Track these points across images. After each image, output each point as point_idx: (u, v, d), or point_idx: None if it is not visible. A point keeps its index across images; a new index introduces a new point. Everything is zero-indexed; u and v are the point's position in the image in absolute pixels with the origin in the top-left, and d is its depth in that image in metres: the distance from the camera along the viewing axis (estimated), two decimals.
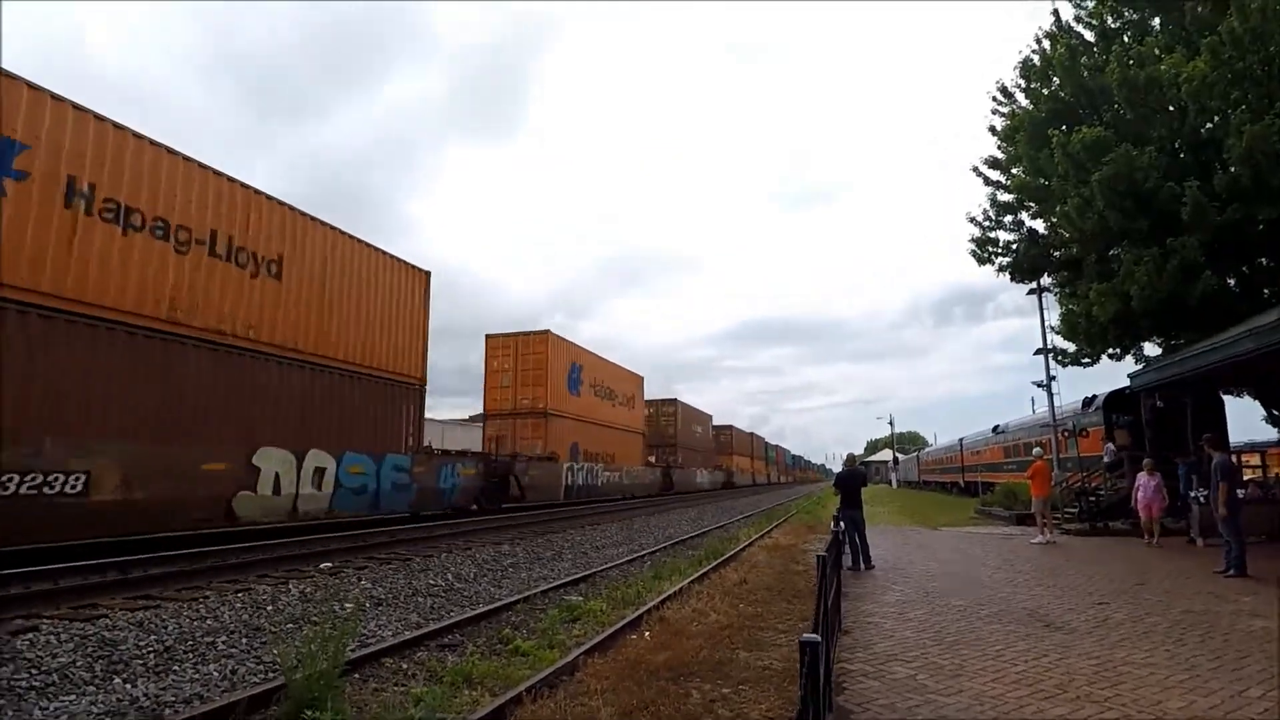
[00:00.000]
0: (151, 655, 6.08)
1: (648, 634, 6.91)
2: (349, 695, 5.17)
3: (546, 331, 25.83)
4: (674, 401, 44.28)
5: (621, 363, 35.17)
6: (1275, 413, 19.15)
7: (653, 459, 39.72)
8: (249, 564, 10.54)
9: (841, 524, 9.90)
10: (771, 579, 10.21)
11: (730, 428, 62.22)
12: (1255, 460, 23.42)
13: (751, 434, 74.60)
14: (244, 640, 6.71)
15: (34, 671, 5.43)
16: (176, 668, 5.83)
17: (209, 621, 7.30)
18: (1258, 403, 19.37)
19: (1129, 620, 7.24)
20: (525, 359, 25.45)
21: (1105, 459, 19.38)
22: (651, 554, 13.77)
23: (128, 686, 5.31)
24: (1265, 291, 15.37)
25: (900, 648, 6.24)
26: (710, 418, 54.86)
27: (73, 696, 5.03)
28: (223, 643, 6.57)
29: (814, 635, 2.74)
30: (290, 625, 7.29)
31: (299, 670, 4.92)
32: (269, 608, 8.03)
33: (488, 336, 26.20)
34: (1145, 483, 14.12)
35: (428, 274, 18.26)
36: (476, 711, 4.64)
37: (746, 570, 10.94)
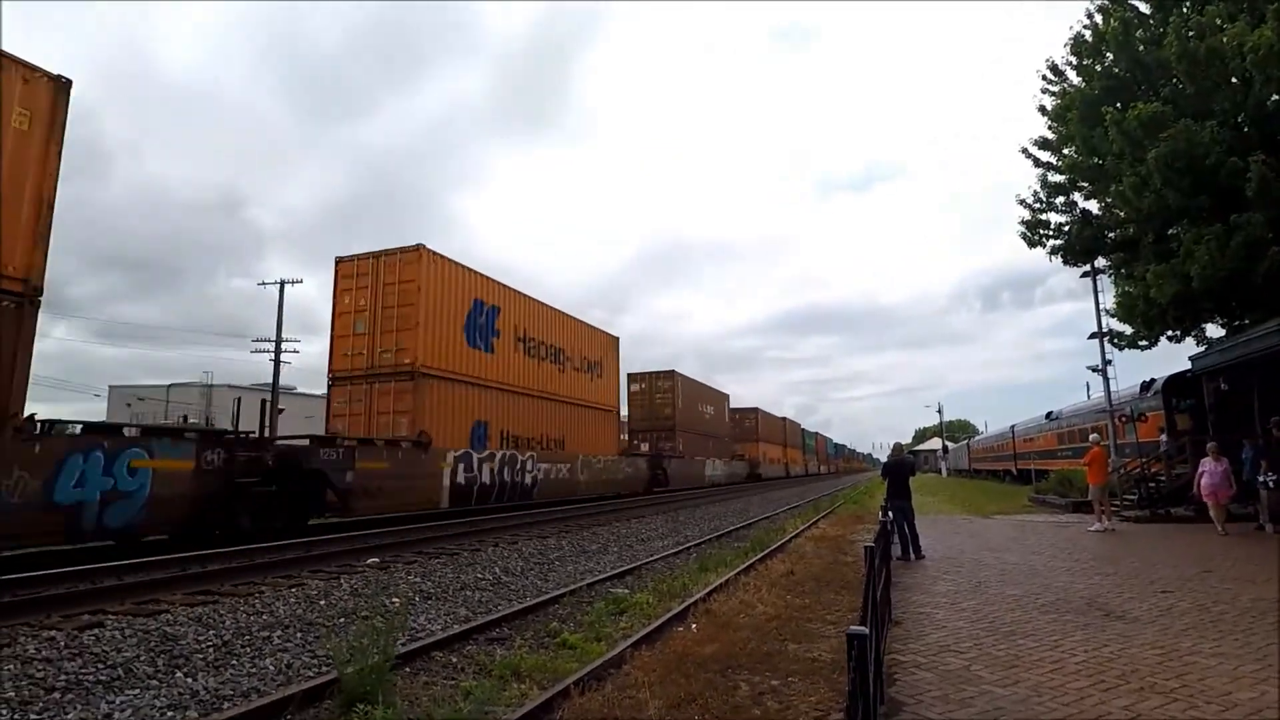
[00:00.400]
0: (211, 650, 6.27)
1: (694, 626, 6.88)
2: (400, 688, 5.25)
3: (419, 248, 17.56)
4: (672, 374, 36.32)
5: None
6: None
7: (645, 446, 33.63)
8: (301, 560, 10.82)
9: (890, 513, 9.72)
10: (819, 570, 10.08)
11: (755, 411, 54.84)
12: None
13: (784, 419, 67.53)
14: (298, 635, 6.88)
15: (100, 666, 5.64)
16: (234, 662, 6.01)
17: (264, 616, 7.50)
18: None
19: (1194, 609, 6.95)
20: (390, 292, 17.48)
21: (1162, 449, 18.72)
22: (698, 545, 13.73)
23: (188, 680, 5.48)
24: None
25: (953, 639, 6.09)
26: (727, 397, 46.79)
27: (136, 690, 5.20)
28: (278, 637, 6.75)
29: (861, 628, 2.67)
30: (342, 619, 7.45)
31: (350, 664, 5.02)
32: (321, 602, 8.22)
33: (338, 261, 18.26)
34: (1211, 468, 13.31)
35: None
36: (525, 705, 4.67)
37: (794, 561, 10.82)
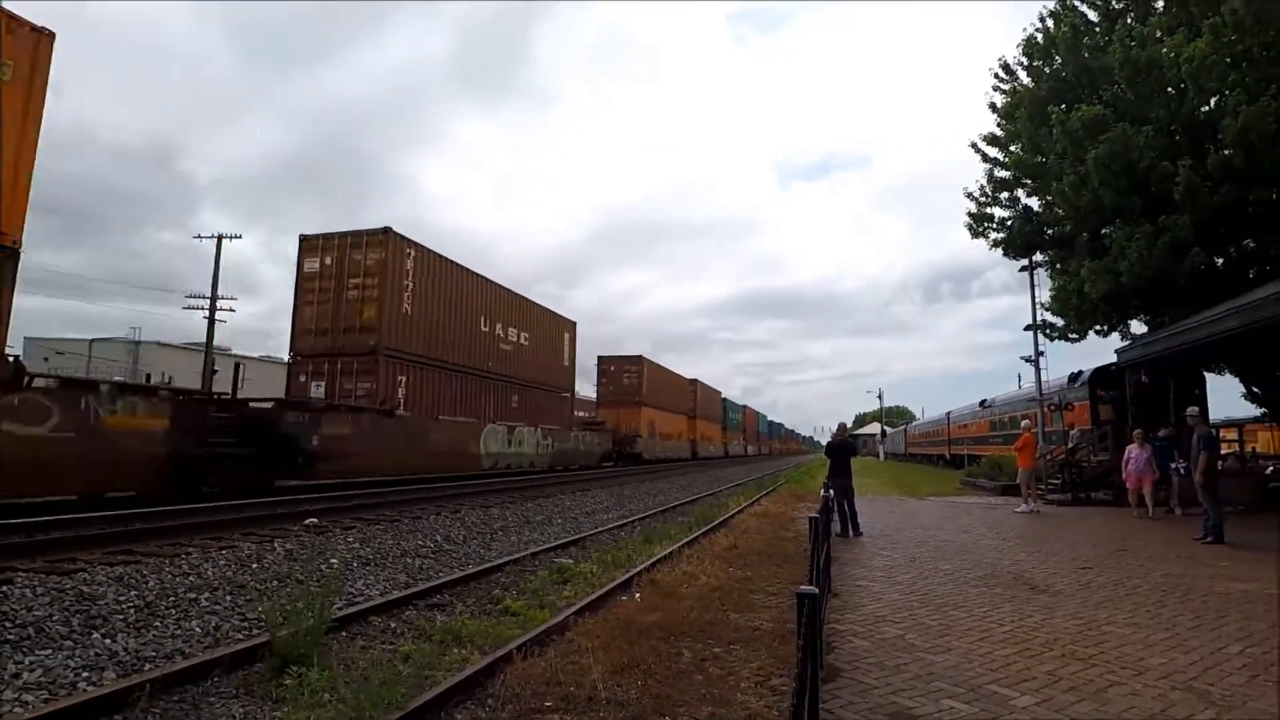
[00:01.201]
0: (132, 610, 5.99)
1: (639, 596, 6.91)
2: (336, 652, 5.13)
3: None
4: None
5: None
6: (1254, 390, 19.41)
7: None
8: (233, 521, 10.44)
9: (831, 491, 9.92)
10: (761, 544, 10.25)
11: (639, 361, 38.98)
12: (1233, 435, 23.76)
13: (695, 381, 50.91)
14: (228, 597, 6.64)
15: (7, 625, 5.32)
16: (158, 624, 5.75)
17: (191, 578, 7.20)
18: (1237, 380, 19.64)
19: (1111, 584, 7.32)
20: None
21: (1069, 443, 19.65)
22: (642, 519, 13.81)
23: (106, 641, 5.22)
24: (1250, 272, 15.45)
25: (889, 609, 6.27)
26: (570, 334, 30.09)
27: (49, 651, 4.93)
28: (206, 599, 6.50)
29: (811, 587, 2.69)
30: (275, 583, 7.22)
31: (284, 627, 4.86)
32: (254, 565, 7.95)
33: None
34: (1136, 455, 13.74)
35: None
36: (466, 669, 4.60)
37: (737, 536, 10.97)
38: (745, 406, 77.27)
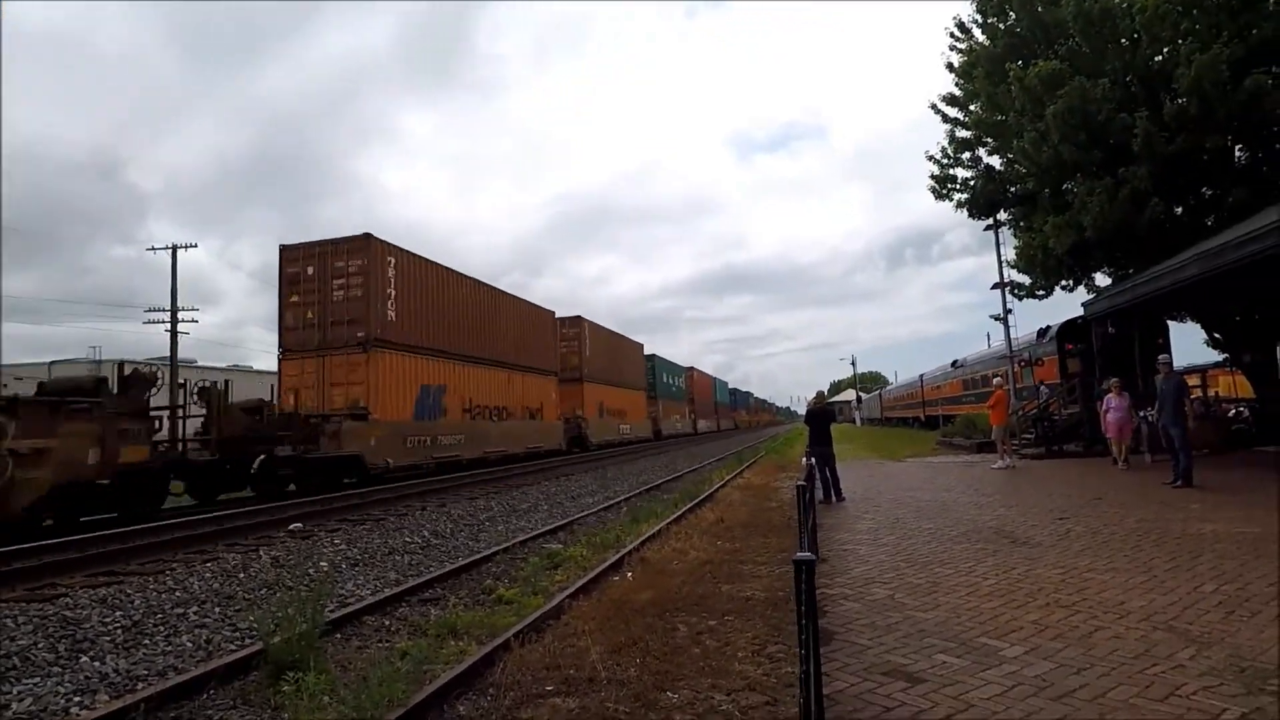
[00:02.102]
0: (119, 631, 5.90)
1: (630, 575, 6.96)
2: (331, 655, 5.10)
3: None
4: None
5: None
6: (1216, 336, 19.94)
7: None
8: (215, 534, 10.30)
9: (813, 459, 10.04)
10: (746, 516, 10.36)
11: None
12: (1196, 381, 24.43)
13: (621, 338, 40.43)
14: (216, 609, 6.56)
15: None
16: (147, 642, 5.67)
17: (178, 593, 7.11)
18: (1199, 327, 20.15)
19: (1089, 532, 7.53)
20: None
21: (1040, 399, 19.99)
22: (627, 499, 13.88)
23: (95, 664, 5.13)
24: (1209, 220, 15.79)
25: (876, 571, 6.38)
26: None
27: (37, 679, 4.83)
28: (194, 613, 6.41)
29: (808, 554, 2.73)
30: (264, 591, 7.15)
31: (277, 634, 4.81)
32: (240, 575, 7.87)
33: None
34: (1116, 404, 13.68)
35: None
36: (465, 660, 4.61)
37: (722, 510, 11.08)
38: (693, 369, 58.79)
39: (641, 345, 45.38)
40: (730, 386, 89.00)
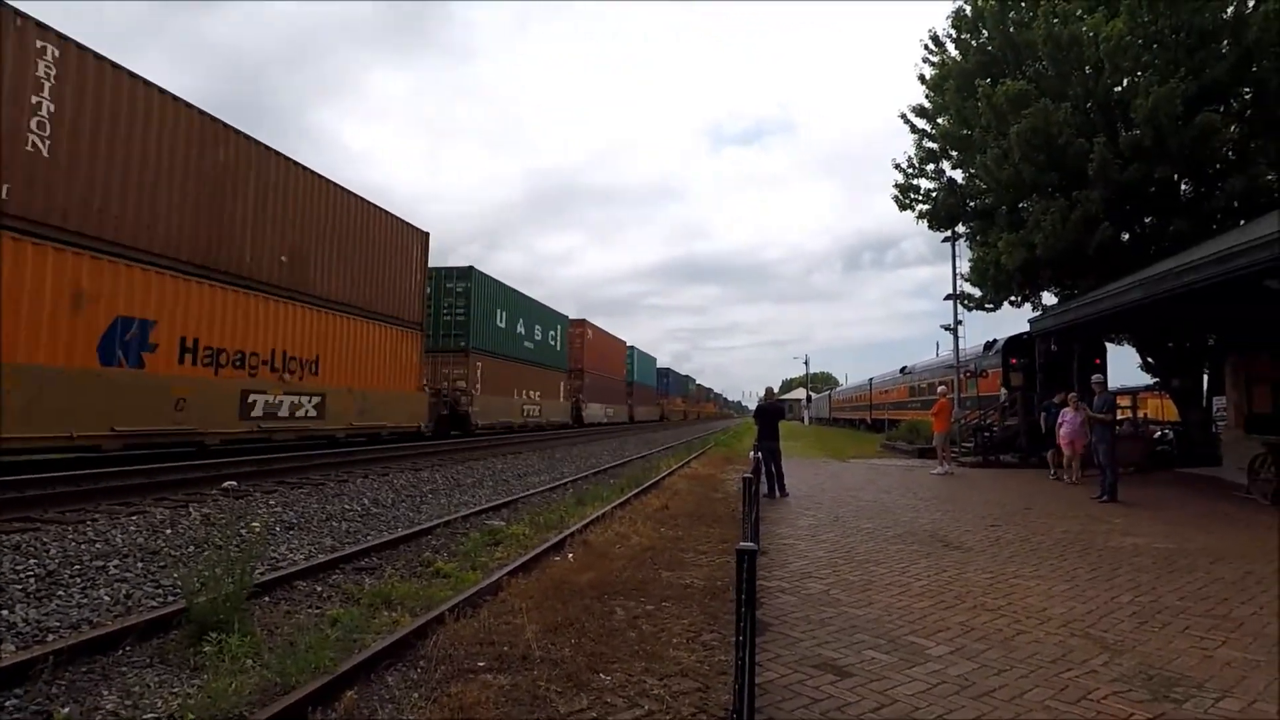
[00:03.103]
0: (32, 580, 5.64)
1: (571, 556, 6.94)
2: (258, 618, 4.97)
3: None
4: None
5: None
6: (1149, 360, 20.83)
7: None
8: (144, 486, 9.92)
9: (760, 453, 10.17)
10: (692, 505, 10.44)
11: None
12: (1127, 402, 25.51)
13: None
14: (139, 564, 6.32)
15: None
16: (61, 593, 5.43)
17: (98, 545, 6.83)
18: (1134, 350, 21.02)
19: (1017, 540, 7.80)
20: None
21: (1004, 402, 20.45)
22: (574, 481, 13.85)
23: (3, 612, 4.90)
24: (1152, 249, 16.45)
25: (814, 566, 6.50)
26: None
27: None
28: (114, 567, 6.17)
29: (750, 544, 2.74)
30: (192, 549, 6.92)
31: (202, 593, 4.66)
32: (167, 531, 7.59)
33: None
34: (1071, 418, 13.33)
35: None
36: (397, 631, 4.53)
37: (668, 497, 11.14)
38: (583, 323, 40.75)
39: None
40: (662, 365, 69.34)
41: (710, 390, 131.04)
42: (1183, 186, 16.28)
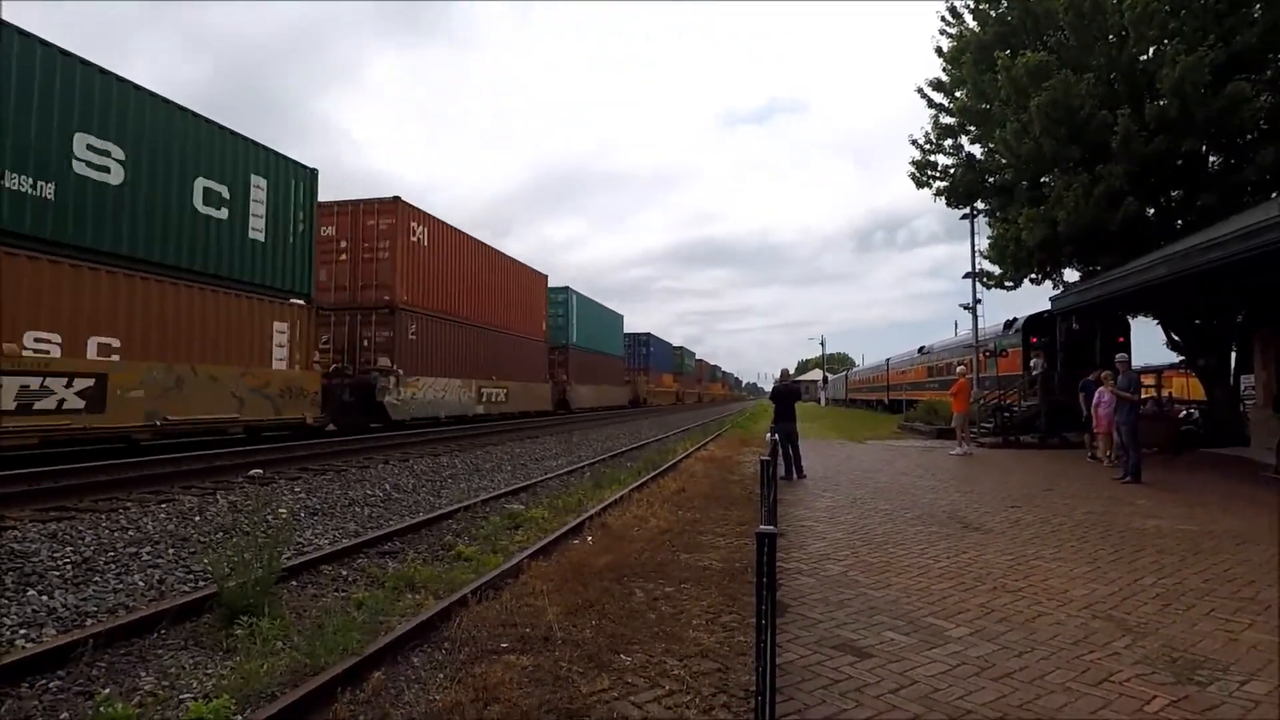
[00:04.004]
0: (69, 567, 5.80)
1: (590, 539, 7.01)
2: (287, 601, 5.08)
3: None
4: None
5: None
6: (1175, 338, 20.51)
7: None
8: (171, 475, 10.13)
9: (776, 435, 10.16)
10: (708, 488, 10.48)
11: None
12: (1151, 381, 25.16)
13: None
14: (170, 551, 6.47)
15: None
16: (97, 579, 5.59)
17: (131, 532, 7.00)
18: (1159, 328, 20.68)
19: (1038, 521, 7.76)
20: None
21: (1034, 371, 19.82)
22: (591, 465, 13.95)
23: (44, 598, 5.05)
24: (1179, 222, 16.13)
25: (832, 548, 6.52)
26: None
27: None
28: (147, 553, 6.32)
29: (771, 527, 2.76)
30: (220, 535, 7.07)
31: (232, 577, 4.77)
32: (196, 518, 7.76)
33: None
34: (1108, 399, 12.43)
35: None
36: (421, 613, 4.62)
37: (684, 480, 11.19)
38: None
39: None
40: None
41: (718, 369, 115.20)
42: (1210, 159, 15.91)
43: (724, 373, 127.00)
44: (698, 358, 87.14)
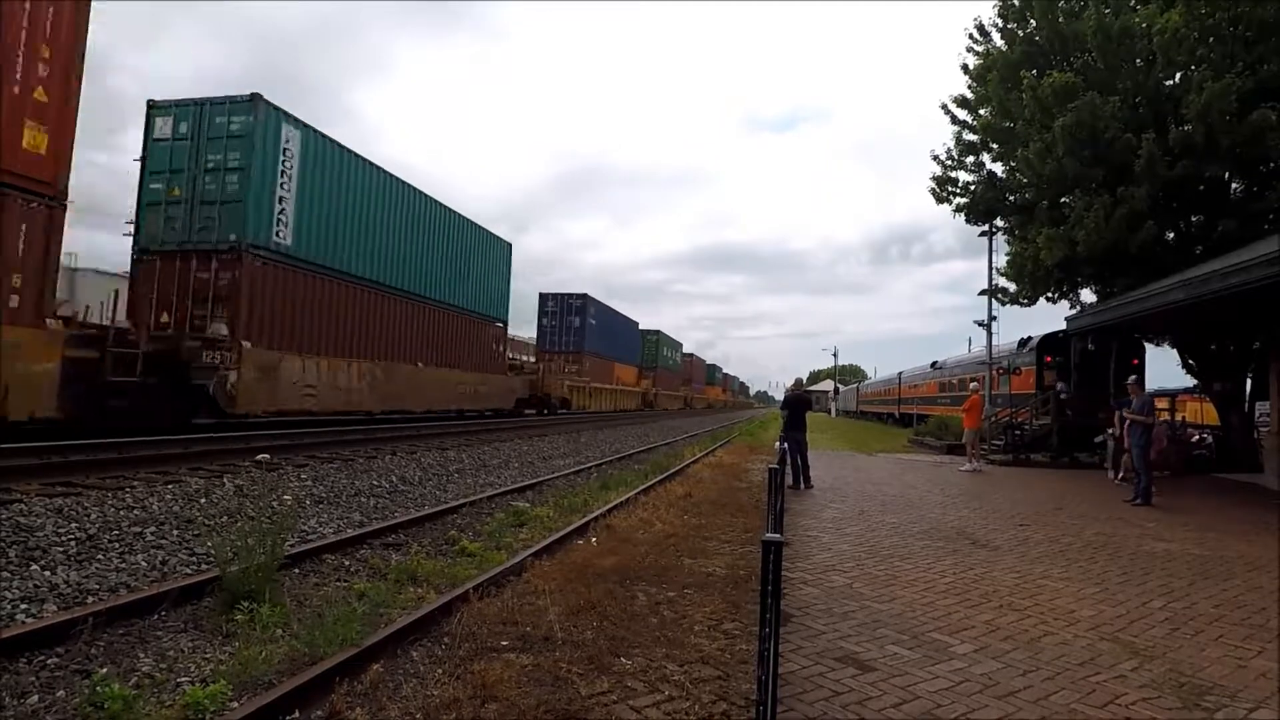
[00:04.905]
0: (73, 543, 5.83)
1: (595, 540, 6.98)
2: (288, 589, 5.07)
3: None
4: None
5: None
6: (1190, 362, 20.29)
7: None
8: (179, 455, 10.18)
9: (785, 443, 10.12)
10: (715, 494, 10.43)
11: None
12: (1164, 404, 24.91)
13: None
14: (175, 532, 6.50)
15: None
16: (100, 557, 5.61)
17: (136, 512, 7.03)
18: (1172, 351, 20.45)
19: (1047, 540, 7.67)
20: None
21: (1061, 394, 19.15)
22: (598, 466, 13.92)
23: (46, 573, 5.07)
24: (1198, 248, 15.96)
25: (837, 559, 6.46)
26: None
27: None
28: (151, 534, 6.35)
29: (776, 535, 2.72)
30: (225, 519, 7.09)
31: (234, 562, 4.78)
32: (202, 500, 7.79)
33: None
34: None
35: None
36: (423, 607, 4.60)
37: (691, 485, 11.14)
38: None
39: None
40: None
41: (718, 369, 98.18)
42: (1233, 185, 15.76)
43: (724, 373, 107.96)
44: (682, 350, 63.61)
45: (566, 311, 37.63)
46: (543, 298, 38.30)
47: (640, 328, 50.73)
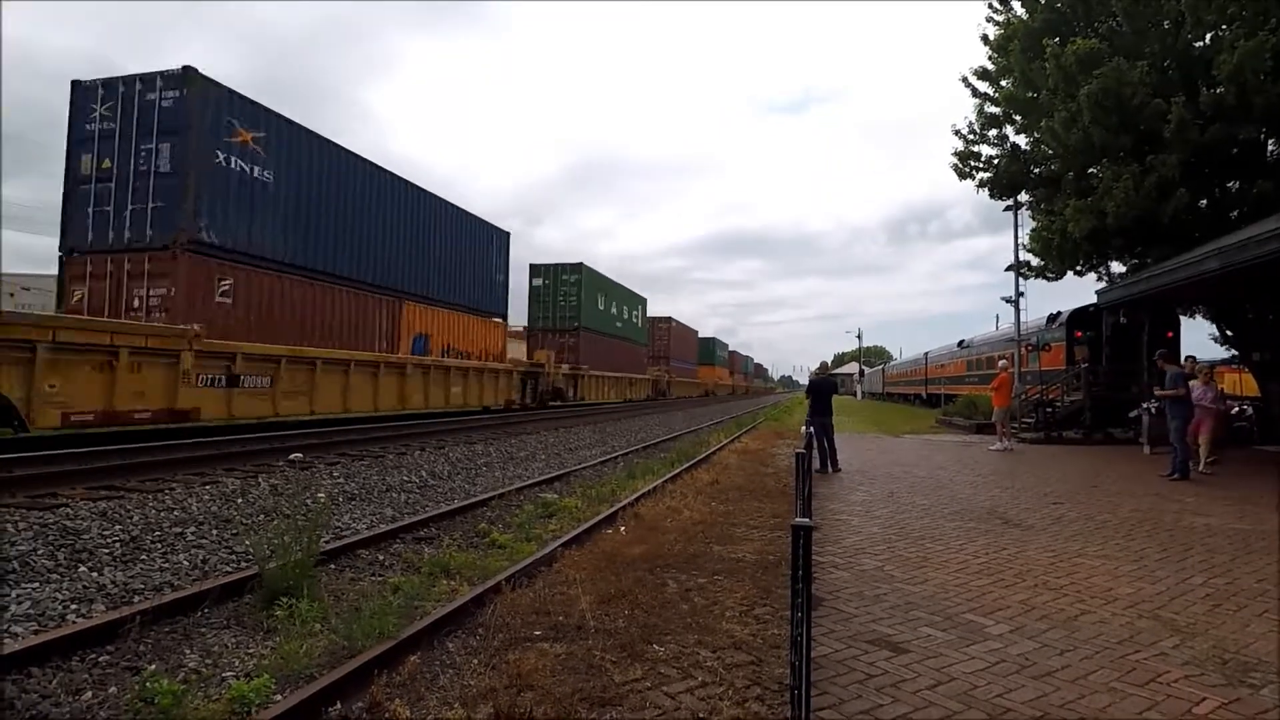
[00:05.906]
0: (117, 544, 5.99)
1: (623, 529, 7.02)
2: (325, 584, 5.17)
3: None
4: None
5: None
6: (1227, 332, 19.78)
7: None
8: (215, 457, 10.41)
9: (811, 428, 10.06)
10: (742, 480, 10.42)
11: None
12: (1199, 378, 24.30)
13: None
14: (214, 531, 6.65)
15: None
16: (144, 557, 5.76)
17: (176, 513, 7.20)
18: (1209, 323, 19.95)
19: (1082, 518, 7.56)
20: None
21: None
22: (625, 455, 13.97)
23: (94, 575, 5.23)
24: (1233, 214, 15.51)
25: (868, 542, 6.43)
26: None
27: (35, 584, 4.93)
28: (191, 534, 6.51)
29: (805, 519, 2.72)
30: (261, 517, 7.24)
31: (272, 560, 4.88)
32: (239, 500, 7.96)
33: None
34: (1200, 393, 11.33)
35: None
36: (456, 599, 4.67)
37: (718, 472, 11.14)
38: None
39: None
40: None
41: (735, 351, 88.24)
42: (1269, 146, 15.26)
43: (743, 356, 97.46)
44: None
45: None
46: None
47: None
